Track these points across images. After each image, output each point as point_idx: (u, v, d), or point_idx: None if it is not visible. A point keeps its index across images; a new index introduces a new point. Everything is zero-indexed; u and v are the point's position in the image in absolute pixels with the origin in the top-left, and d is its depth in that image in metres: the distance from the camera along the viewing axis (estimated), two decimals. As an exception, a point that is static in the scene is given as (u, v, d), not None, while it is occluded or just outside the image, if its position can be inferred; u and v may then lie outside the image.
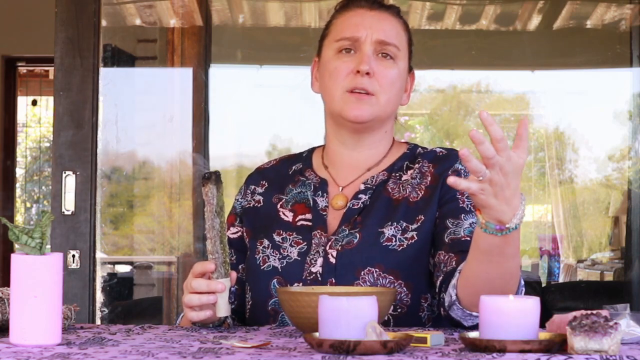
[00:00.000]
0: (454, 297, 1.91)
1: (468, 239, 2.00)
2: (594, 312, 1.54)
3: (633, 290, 5.12)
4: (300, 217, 2.15)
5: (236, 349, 1.60)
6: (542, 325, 1.64)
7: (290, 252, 2.10)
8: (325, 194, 2.16)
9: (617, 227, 7.39)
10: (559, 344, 1.55)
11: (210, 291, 1.89)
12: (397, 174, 2.16)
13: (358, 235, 2.07)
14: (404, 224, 2.07)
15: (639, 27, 5.21)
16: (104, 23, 4.20)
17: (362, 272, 2.04)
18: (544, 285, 6.97)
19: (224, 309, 1.92)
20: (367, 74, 2.10)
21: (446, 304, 1.94)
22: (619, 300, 4.96)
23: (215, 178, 1.91)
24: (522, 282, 1.92)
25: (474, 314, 1.89)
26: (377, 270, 2.03)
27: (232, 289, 1.98)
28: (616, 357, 1.47)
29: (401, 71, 2.16)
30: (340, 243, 2.07)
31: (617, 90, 5.92)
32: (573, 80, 6.84)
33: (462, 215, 2.06)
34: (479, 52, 6.31)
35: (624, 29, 5.67)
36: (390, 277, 2.03)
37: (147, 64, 5.17)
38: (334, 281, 2.04)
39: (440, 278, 2.01)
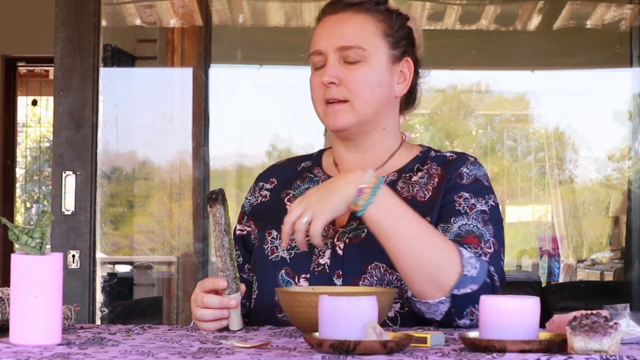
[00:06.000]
0: (410, 294, 1.96)
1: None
2: (594, 312, 1.54)
3: (633, 290, 5.12)
4: None
5: (236, 349, 1.60)
6: (542, 325, 1.64)
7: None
8: None
9: (617, 227, 7.39)
10: (559, 344, 1.55)
11: (222, 307, 1.94)
12: (407, 175, 2.16)
13: (366, 230, 2.07)
14: None
15: (639, 27, 5.21)
16: (104, 23, 4.20)
17: (369, 267, 2.04)
18: (544, 285, 6.96)
19: (237, 323, 1.95)
20: (333, 83, 2.11)
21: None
22: (619, 300, 4.96)
23: (221, 198, 1.91)
24: (473, 288, 1.92)
25: (431, 301, 1.92)
26: (384, 265, 2.03)
27: (243, 301, 2.00)
28: (616, 357, 1.47)
29: (377, 67, 2.12)
30: (347, 236, 2.08)
31: (617, 90, 5.91)
32: (573, 80, 6.83)
33: (452, 218, 2.05)
34: (479, 52, 6.31)
35: (624, 29, 5.66)
36: (397, 273, 2.03)
37: (147, 64, 5.17)
38: (341, 273, 2.05)
39: None
